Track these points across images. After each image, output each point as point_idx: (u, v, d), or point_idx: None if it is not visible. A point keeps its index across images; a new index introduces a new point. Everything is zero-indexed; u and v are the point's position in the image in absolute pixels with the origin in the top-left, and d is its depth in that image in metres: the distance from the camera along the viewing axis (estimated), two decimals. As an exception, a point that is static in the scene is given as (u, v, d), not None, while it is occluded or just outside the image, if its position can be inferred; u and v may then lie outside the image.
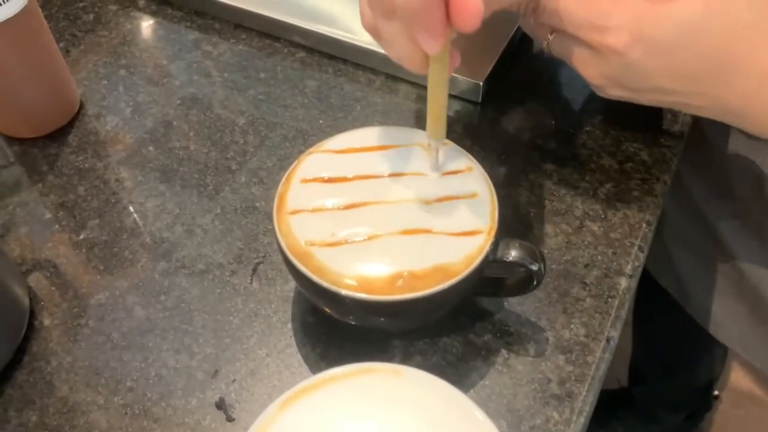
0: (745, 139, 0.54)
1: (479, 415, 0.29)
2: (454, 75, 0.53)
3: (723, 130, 0.43)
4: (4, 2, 0.44)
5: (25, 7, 0.46)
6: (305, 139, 0.52)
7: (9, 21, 0.45)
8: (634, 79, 0.39)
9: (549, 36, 0.41)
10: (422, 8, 0.30)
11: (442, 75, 0.34)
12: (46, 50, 0.50)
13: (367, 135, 0.41)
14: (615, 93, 0.41)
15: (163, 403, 0.39)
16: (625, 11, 0.36)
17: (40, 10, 0.49)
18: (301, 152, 0.49)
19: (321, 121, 0.53)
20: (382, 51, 0.56)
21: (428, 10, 0.30)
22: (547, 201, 0.48)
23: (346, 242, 0.35)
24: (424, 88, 0.55)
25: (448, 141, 0.40)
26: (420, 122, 0.53)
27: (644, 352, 1.04)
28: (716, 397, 1.18)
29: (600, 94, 0.42)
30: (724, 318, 0.64)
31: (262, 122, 0.53)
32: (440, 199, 0.37)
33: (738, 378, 1.19)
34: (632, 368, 1.10)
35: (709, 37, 0.36)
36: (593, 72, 0.39)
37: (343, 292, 0.34)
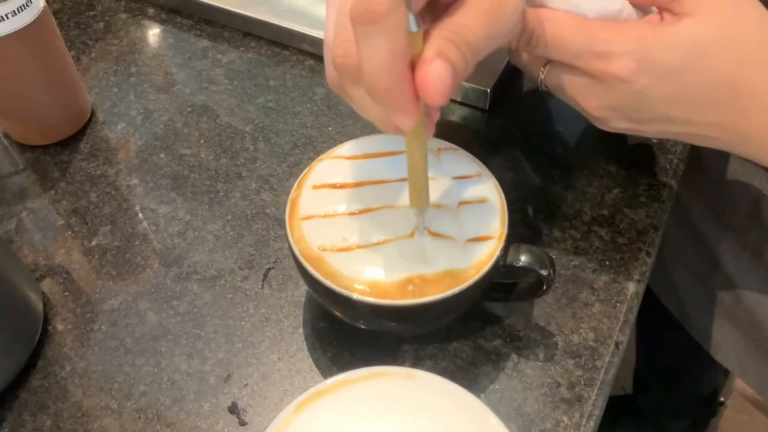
0: (742, 162, 0.54)
1: (493, 419, 0.30)
2: (462, 82, 0.54)
3: (720, 152, 0.42)
4: (18, 11, 0.45)
5: (39, 16, 0.47)
6: (314, 146, 0.52)
7: (23, 30, 0.46)
8: (641, 109, 0.36)
9: (543, 69, 0.39)
10: (389, 87, 0.28)
11: (420, 147, 0.33)
12: (58, 58, 0.51)
13: (377, 141, 0.41)
14: (619, 125, 0.38)
15: (176, 408, 0.39)
16: (628, 36, 0.34)
17: (53, 19, 0.50)
18: (310, 159, 0.50)
19: (330, 128, 0.54)
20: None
21: (396, 90, 0.28)
22: (555, 206, 0.48)
23: (358, 247, 0.36)
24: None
25: (457, 147, 0.41)
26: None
27: (647, 363, 1.04)
28: (721, 403, 1.18)
29: (602, 127, 0.39)
30: (722, 341, 0.63)
31: (272, 129, 0.54)
32: (451, 205, 0.37)
33: (743, 384, 1.19)
34: (636, 376, 1.10)
35: (720, 58, 0.34)
36: (595, 104, 0.37)
37: (355, 296, 0.34)
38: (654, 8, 0.36)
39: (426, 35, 0.28)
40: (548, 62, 0.38)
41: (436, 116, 0.34)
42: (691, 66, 0.34)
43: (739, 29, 0.34)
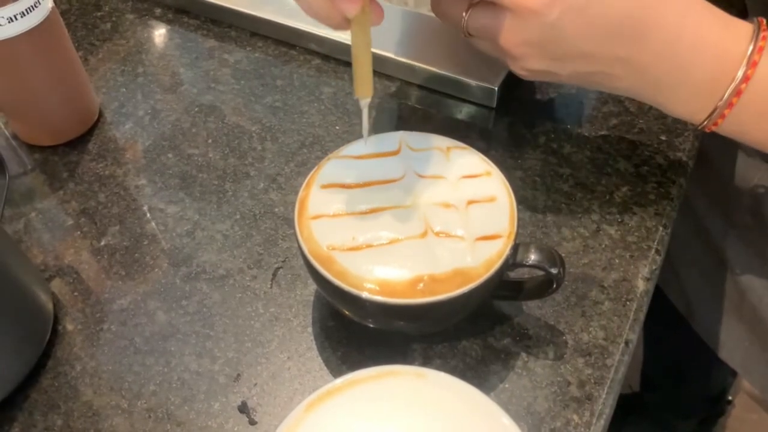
0: (745, 158, 0.54)
1: (505, 418, 0.30)
2: (469, 81, 0.54)
3: (723, 147, 0.42)
4: (27, 12, 0.45)
5: (48, 17, 0.47)
6: (322, 145, 0.52)
7: (32, 31, 0.46)
8: (555, 43, 0.38)
9: (464, 14, 0.40)
10: None
11: (364, 36, 0.35)
12: (66, 59, 0.51)
13: (385, 140, 0.41)
14: (535, 65, 0.40)
15: (186, 407, 0.39)
16: None
17: (61, 19, 0.50)
18: (318, 158, 0.50)
19: (338, 127, 0.54)
20: (398, 57, 0.57)
21: None
22: (563, 205, 0.48)
23: (367, 246, 0.36)
24: (437, 92, 0.56)
25: (464, 145, 0.41)
26: (434, 127, 0.53)
27: (655, 361, 1.04)
28: (729, 402, 1.17)
29: (519, 70, 0.41)
30: (727, 339, 0.63)
31: (279, 129, 0.54)
32: (460, 203, 0.37)
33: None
34: (644, 375, 1.10)
35: None
36: (513, 40, 0.38)
37: (365, 295, 0.34)
38: None
39: None
40: (470, 7, 0.40)
41: (380, 17, 0.36)
42: None
43: None
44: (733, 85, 0.37)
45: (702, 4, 0.38)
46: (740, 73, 0.37)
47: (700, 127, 0.40)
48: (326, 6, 0.33)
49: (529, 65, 0.40)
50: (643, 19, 0.37)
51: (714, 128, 0.40)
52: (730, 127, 0.39)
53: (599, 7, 0.36)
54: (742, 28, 0.38)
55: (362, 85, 0.37)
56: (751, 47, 0.37)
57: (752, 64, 0.36)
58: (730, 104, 0.38)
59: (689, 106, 0.39)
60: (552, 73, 0.40)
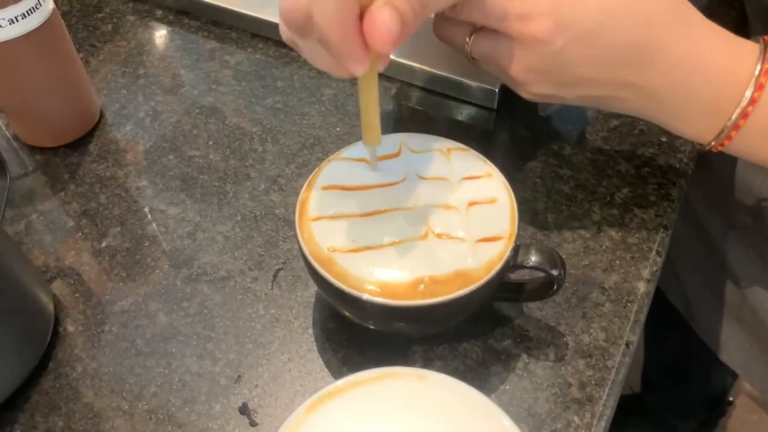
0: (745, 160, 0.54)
1: (505, 420, 0.30)
2: (469, 82, 0.54)
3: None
4: (28, 14, 0.45)
5: (49, 18, 0.47)
6: (323, 147, 0.52)
7: (33, 32, 0.46)
8: (560, 71, 0.38)
9: (468, 39, 0.40)
10: (340, 39, 0.30)
11: (371, 88, 0.35)
12: (67, 60, 0.51)
13: (385, 142, 0.41)
14: (541, 90, 0.39)
15: (186, 409, 0.39)
16: None
17: (62, 21, 0.50)
18: (318, 160, 0.50)
19: (338, 129, 0.54)
20: (398, 59, 0.57)
21: (347, 41, 0.30)
22: (564, 206, 0.48)
23: (368, 248, 0.36)
24: (438, 94, 0.56)
25: (465, 146, 0.41)
26: (434, 128, 0.53)
27: (655, 362, 1.04)
28: (730, 403, 1.17)
29: (525, 94, 0.41)
30: (728, 341, 0.63)
31: (280, 130, 0.54)
32: (460, 205, 0.37)
33: (752, 383, 1.18)
34: (644, 376, 1.10)
35: (630, 17, 0.36)
36: (518, 67, 0.38)
37: (365, 297, 0.34)
38: None
39: None
40: (473, 32, 0.40)
41: (383, 64, 0.35)
42: (604, 24, 0.36)
43: None
44: (740, 107, 0.37)
45: (707, 25, 0.38)
46: (747, 95, 0.36)
47: (707, 147, 0.40)
48: (333, 63, 0.33)
49: (534, 90, 0.40)
50: (649, 42, 0.36)
51: (721, 148, 0.40)
52: (737, 147, 0.39)
53: (604, 34, 0.36)
54: (748, 48, 0.37)
55: (370, 134, 0.37)
56: (758, 69, 0.36)
57: (759, 86, 0.36)
58: (737, 126, 0.38)
59: (696, 126, 0.39)
60: (558, 97, 0.40)
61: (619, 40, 0.36)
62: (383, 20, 0.29)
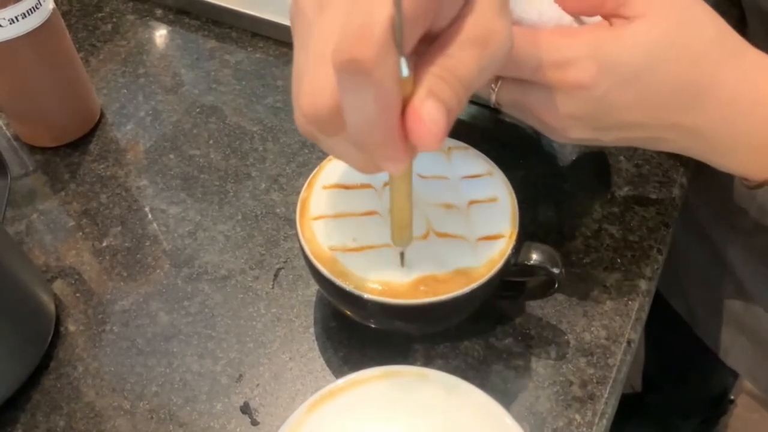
0: None
1: (507, 419, 0.30)
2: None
3: None
4: (28, 14, 0.45)
5: (49, 18, 0.47)
6: (323, 146, 0.52)
7: (33, 32, 0.46)
8: (602, 116, 0.35)
9: (494, 86, 0.37)
10: (383, 141, 0.25)
11: (405, 183, 0.30)
12: (67, 60, 0.51)
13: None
14: (579, 135, 0.37)
15: (188, 408, 0.39)
16: (582, 40, 0.33)
17: (62, 21, 0.50)
18: (319, 159, 0.50)
19: (339, 128, 0.54)
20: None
21: (386, 142, 0.25)
22: (565, 204, 0.48)
23: (369, 247, 0.36)
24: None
25: (467, 146, 0.41)
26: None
27: (657, 362, 1.04)
28: (731, 401, 1.17)
29: (559, 139, 0.38)
30: (731, 346, 0.63)
31: (280, 129, 0.54)
32: (461, 204, 0.37)
33: (753, 382, 1.18)
34: (645, 375, 1.10)
35: (676, 58, 0.33)
36: (554, 115, 0.35)
37: (366, 296, 0.34)
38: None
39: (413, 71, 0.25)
40: (499, 78, 0.36)
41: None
42: (650, 67, 0.33)
43: (691, 28, 0.34)
44: None
45: (756, 61, 0.35)
46: None
47: (755, 188, 0.38)
48: (367, 162, 0.28)
49: (571, 135, 0.37)
50: (698, 83, 0.34)
51: None
52: None
53: (650, 77, 0.33)
54: None
55: (402, 234, 0.33)
56: None
57: None
58: None
59: (747, 167, 0.38)
60: (596, 140, 0.37)
61: (667, 82, 0.34)
62: (431, 117, 0.24)
